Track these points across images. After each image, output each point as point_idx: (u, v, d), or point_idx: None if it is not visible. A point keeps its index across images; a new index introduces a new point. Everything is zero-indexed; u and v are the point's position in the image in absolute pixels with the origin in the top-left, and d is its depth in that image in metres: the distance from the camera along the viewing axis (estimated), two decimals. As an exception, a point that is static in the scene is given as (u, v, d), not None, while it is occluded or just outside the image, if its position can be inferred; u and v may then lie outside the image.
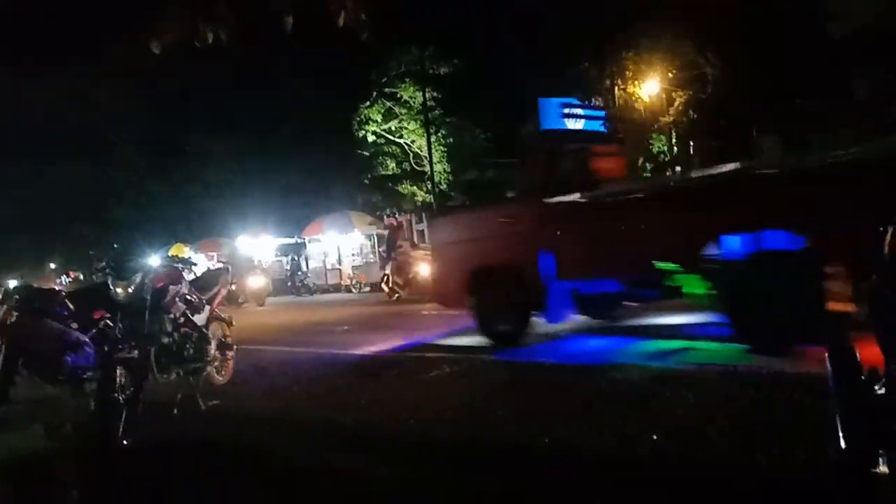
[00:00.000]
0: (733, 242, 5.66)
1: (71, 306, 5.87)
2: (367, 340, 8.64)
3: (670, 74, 16.58)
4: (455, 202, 7.45)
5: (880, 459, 1.68)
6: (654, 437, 3.52)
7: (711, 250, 5.76)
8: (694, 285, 5.96)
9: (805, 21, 14.26)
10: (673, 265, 5.95)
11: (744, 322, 5.60)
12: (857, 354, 1.97)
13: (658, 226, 6.08)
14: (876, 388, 1.86)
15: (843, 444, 1.80)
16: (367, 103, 26.64)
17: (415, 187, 27.49)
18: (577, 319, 7.70)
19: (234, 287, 19.95)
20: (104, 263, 5.19)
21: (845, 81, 15.72)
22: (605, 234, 6.42)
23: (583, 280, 6.94)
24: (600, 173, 7.45)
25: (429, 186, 26.14)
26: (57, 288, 7.97)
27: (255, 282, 19.57)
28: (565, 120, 22.47)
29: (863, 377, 1.93)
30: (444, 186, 27.50)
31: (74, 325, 5.68)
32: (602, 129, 19.46)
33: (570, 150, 7.85)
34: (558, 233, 6.82)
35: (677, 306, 7.05)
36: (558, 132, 8.77)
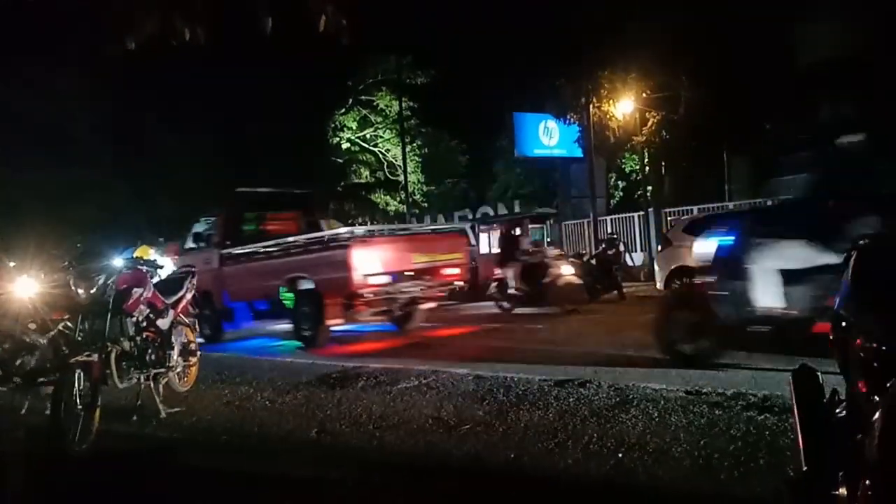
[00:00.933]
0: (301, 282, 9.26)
1: (29, 306, 5.71)
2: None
3: (644, 95, 16.86)
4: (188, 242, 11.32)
5: (840, 482, 1.70)
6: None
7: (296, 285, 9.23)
8: (290, 304, 9.48)
9: (774, 49, 14.68)
10: (285, 291, 9.47)
11: (296, 328, 9.26)
12: (819, 377, 2.00)
13: (266, 268, 9.74)
14: (837, 411, 1.89)
15: (804, 466, 1.82)
16: (343, 110, 26.55)
17: (388, 196, 27.43)
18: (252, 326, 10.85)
19: None
20: (66, 263, 5.05)
21: (810, 107, 16.23)
22: (247, 272, 10.03)
23: (246, 301, 10.21)
24: (272, 232, 10.83)
25: (402, 196, 26.11)
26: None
27: None
28: (541, 136, 22.62)
29: (824, 400, 1.95)
30: (417, 196, 27.48)
31: (32, 326, 5.52)
32: (576, 146, 19.79)
33: (250, 214, 11.48)
34: (229, 270, 10.31)
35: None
36: (246, 194, 11.76)
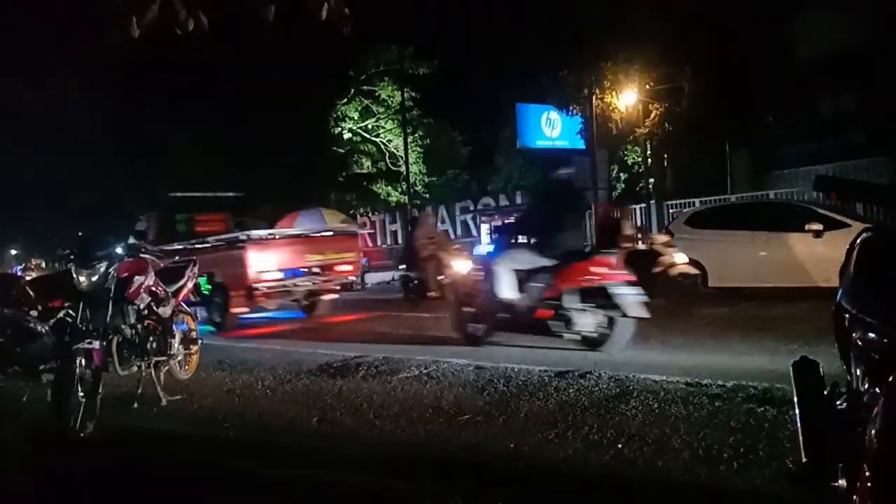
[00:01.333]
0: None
1: (31, 294, 5.72)
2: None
3: (647, 86, 16.79)
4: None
5: (840, 473, 1.71)
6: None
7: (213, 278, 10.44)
8: (209, 294, 10.57)
9: (776, 43, 14.64)
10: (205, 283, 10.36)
11: (209, 315, 10.43)
12: (820, 369, 2.00)
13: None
14: (838, 402, 1.89)
15: (804, 458, 1.82)
16: (345, 100, 26.46)
17: (389, 187, 27.38)
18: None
19: (412, 276, 13.19)
20: (68, 251, 5.05)
21: (811, 100, 16.20)
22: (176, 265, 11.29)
23: None
24: (202, 231, 11.99)
25: (404, 187, 26.07)
26: (17, 274, 7.75)
27: (460, 267, 12.47)
28: (544, 127, 22.55)
29: (825, 392, 1.96)
30: (419, 188, 27.44)
31: (34, 314, 5.53)
32: (579, 137, 19.74)
33: (181, 215, 12.80)
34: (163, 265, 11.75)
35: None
36: (178, 198, 13.06)
